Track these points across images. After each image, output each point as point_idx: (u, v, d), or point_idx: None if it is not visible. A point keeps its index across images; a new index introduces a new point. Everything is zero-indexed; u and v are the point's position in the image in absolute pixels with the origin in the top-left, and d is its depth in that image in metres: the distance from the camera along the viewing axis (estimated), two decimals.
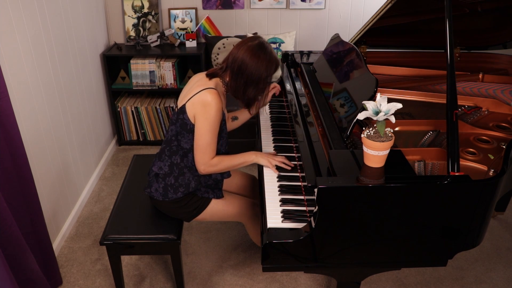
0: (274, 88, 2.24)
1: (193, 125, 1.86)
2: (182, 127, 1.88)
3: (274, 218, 1.64)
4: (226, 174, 2.05)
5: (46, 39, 2.42)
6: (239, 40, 3.44)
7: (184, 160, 1.94)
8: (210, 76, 1.91)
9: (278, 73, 3.23)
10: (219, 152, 1.98)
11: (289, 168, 1.90)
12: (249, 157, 1.95)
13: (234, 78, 1.86)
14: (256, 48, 1.82)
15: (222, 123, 1.92)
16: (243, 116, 2.26)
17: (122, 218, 2.07)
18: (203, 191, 2.02)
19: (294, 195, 1.77)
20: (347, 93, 1.95)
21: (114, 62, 3.49)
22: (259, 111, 2.36)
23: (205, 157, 1.86)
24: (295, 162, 1.96)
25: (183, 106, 1.86)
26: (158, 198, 2.00)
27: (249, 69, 1.82)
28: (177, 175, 1.95)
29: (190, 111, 1.84)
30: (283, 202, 1.73)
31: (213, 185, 2.04)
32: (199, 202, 2.01)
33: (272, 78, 1.96)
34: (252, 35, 3.43)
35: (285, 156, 1.98)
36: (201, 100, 1.81)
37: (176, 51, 3.39)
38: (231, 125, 2.24)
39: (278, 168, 1.91)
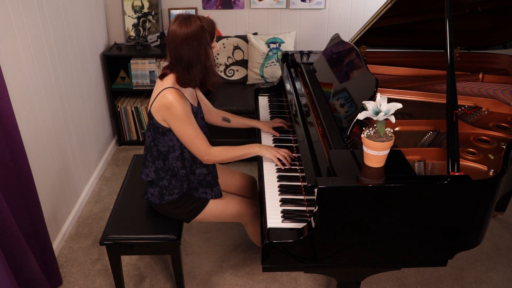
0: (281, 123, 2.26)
1: (165, 128, 1.85)
2: (155, 131, 1.88)
3: (274, 218, 1.64)
4: (211, 165, 2.02)
5: (46, 39, 2.42)
6: (239, 40, 3.47)
7: (166, 162, 1.94)
8: (161, 77, 1.86)
9: (278, 73, 3.22)
10: None
11: (288, 164, 1.90)
12: (253, 149, 1.94)
13: (176, 68, 1.80)
14: (179, 27, 1.73)
15: (195, 114, 1.90)
16: (236, 122, 2.27)
17: (122, 218, 2.07)
18: (200, 192, 2.02)
19: (294, 195, 1.77)
20: (347, 93, 1.95)
21: (114, 62, 3.49)
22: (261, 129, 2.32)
23: (201, 149, 1.85)
24: (295, 162, 1.96)
25: (149, 112, 1.86)
26: (155, 201, 2.00)
27: (184, 51, 1.74)
28: (169, 178, 1.95)
29: (157, 116, 1.83)
30: (283, 202, 1.73)
31: (209, 181, 2.02)
32: (197, 202, 2.01)
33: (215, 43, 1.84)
34: (252, 35, 3.43)
35: (289, 151, 1.98)
36: (162, 103, 1.79)
37: None
38: (221, 123, 2.25)
39: (278, 169, 1.91)
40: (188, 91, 1.91)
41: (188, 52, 1.75)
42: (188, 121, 1.81)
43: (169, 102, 1.76)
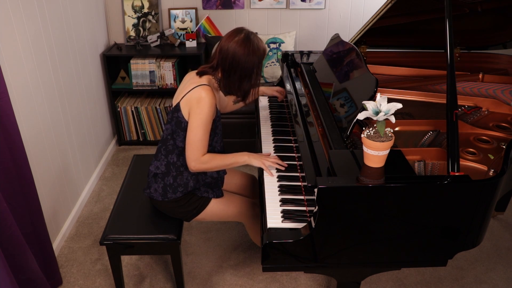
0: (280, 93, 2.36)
1: (187, 123, 1.86)
2: (177, 125, 1.89)
3: (274, 218, 1.64)
4: (222, 171, 2.05)
5: (46, 39, 2.42)
6: None
7: (180, 158, 1.95)
8: (200, 74, 1.91)
9: (278, 73, 3.24)
10: (214, 149, 1.98)
11: (282, 168, 1.89)
12: (241, 158, 1.93)
13: (227, 75, 1.86)
14: (245, 40, 1.81)
15: (216, 119, 1.92)
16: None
17: (122, 218, 2.07)
18: (202, 191, 2.02)
19: (294, 195, 1.77)
20: (347, 93, 1.95)
21: (114, 62, 3.49)
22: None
23: (196, 153, 1.85)
24: (295, 162, 1.95)
25: (177, 104, 1.87)
26: (157, 198, 2.00)
27: (242, 64, 1.82)
28: (175, 175, 1.95)
29: (184, 109, 1.85)
30: (283, 202, 1.73)
31: (213, 183, 2.04)
32: (199, 201, 2.01)
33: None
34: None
35: (285, 156, 1.98)
36: (195, 96, 1.82)
37: (176, 51, 3.39)
38: (232, 107, 2.30)
39: (277, 169, 1.91)
40: (217, 95, 1.95)
41: (245, 65, 1.82)
42: (206, 123, 1.83)
43: (202, 97, 1.80)
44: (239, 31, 1.85)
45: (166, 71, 3.37)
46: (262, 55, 1.87)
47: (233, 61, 1.82)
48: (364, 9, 3.48)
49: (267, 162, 1.90)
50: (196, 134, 1.83)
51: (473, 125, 2.00)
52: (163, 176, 1.97)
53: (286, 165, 1.90)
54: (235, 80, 1.86)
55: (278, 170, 1.91)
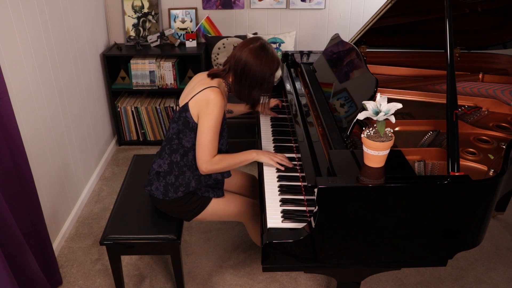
0: (276, 101, 2.40)
1: (196, 124, 1.87)
2: (185, 125, 1.89)
3: (274, 218, 1.64)
4: (226, 173, 2.05)
5: (46, 39, 2.42)
6: (239, 40, 3.47)
7: (184, 159, 1.95)
8: (212, 76, 1.92)
9: (279, 72, 3.24)
10: (220, 151, 1.99)
11: (290, 165, 1.90)
12: (250, 155, 1.95)
13: (238, 80, 1.88)
14: (259, 49, 1.84)
15: (223, 122, 1.93)
16: (238, 109, 2.34)
17: (122, 218, 2.07)
18: (203, 191, 2.02)
19: (294, 195, 1.77)
20: (347, 93, 1.95)
21: (114, 62, 3.49)
22: (259, 112, 2.42)
23: (207, 155, 1.86)
24: (295, 162, 1.96)
25: (186, 104, 1.87)
26: (158, 197, 2.00)
27: (253, 71, 1.84)
28: (177, 174, 1.95)
29: (193, 109, 1.86)
30: (283, 202, 1.73)
31: (214, 184, 2.05)
32: (200, 201, 2.02)
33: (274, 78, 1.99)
34: (252, 35, 3.44)
35: (285, 156, 1.98)
36: (205, 97, 1.82)
37: (176, 51, 3.39)
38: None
39: (277, 169, 1.91)
40: (225, 99, 1.97)
41: (257, 73, 1.84)
42: (216, 125, 1.84)
43: (212, 99, 1.81)
44: (255, 39, 1.88)
45: (166, 71, 3.37)
46: (275, 67, 1.89)
47: (245, 68, 1.84)
48: (364, 9, 3.48)
49: (275, 158, 1.92)
50: (206, 136, 1.83)
51: (473, 125, 2.00)
52: (165, 175, 1.97)
53: (292, 165, 1.91)
54: (245, 87, 1.88)
55: (278, 170, 1.91)
